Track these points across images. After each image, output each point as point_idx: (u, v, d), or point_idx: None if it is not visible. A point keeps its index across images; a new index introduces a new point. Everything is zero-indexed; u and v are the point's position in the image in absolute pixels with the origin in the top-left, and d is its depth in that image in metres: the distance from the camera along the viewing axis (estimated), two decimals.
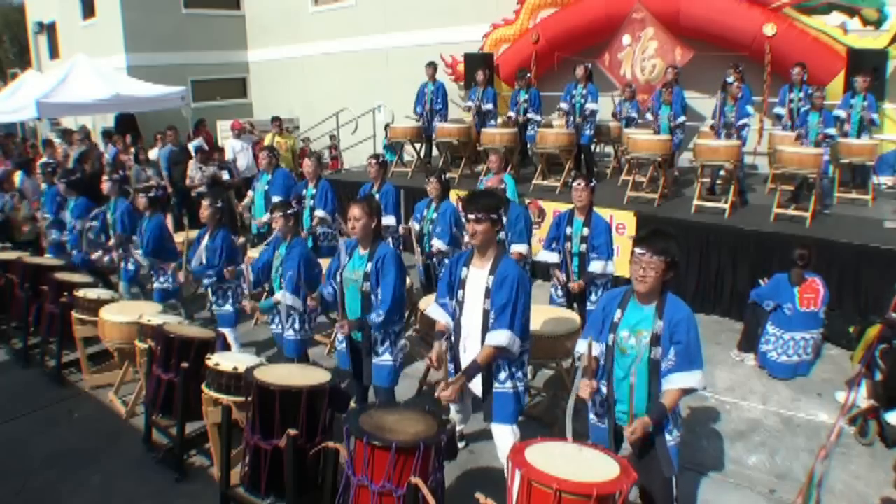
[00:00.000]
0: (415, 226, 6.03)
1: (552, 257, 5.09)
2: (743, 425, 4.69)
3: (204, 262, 5.31)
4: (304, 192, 6.79)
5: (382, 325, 3.79)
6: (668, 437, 2.97)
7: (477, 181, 7.22)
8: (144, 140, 11.75)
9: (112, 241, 6.36)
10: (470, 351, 3.46)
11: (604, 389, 3.06)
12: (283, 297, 4.55)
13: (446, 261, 5.42)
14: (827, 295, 5.38)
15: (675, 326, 2.86)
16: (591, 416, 3.18)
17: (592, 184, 4.95)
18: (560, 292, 5.11)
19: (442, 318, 3.56)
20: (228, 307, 5.37)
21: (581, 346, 3.15)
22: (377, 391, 4.04)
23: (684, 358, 2.85)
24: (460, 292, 3.46)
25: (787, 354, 5.33)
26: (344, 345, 4.07)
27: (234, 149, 10.40)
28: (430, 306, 3.72)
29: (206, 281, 5.34)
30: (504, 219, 4.96)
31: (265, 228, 7.10)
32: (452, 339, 3.55)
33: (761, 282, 5.71)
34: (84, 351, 5.43)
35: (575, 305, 5.06)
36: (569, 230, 4.97)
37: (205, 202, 5.31)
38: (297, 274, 4.49)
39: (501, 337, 3.25)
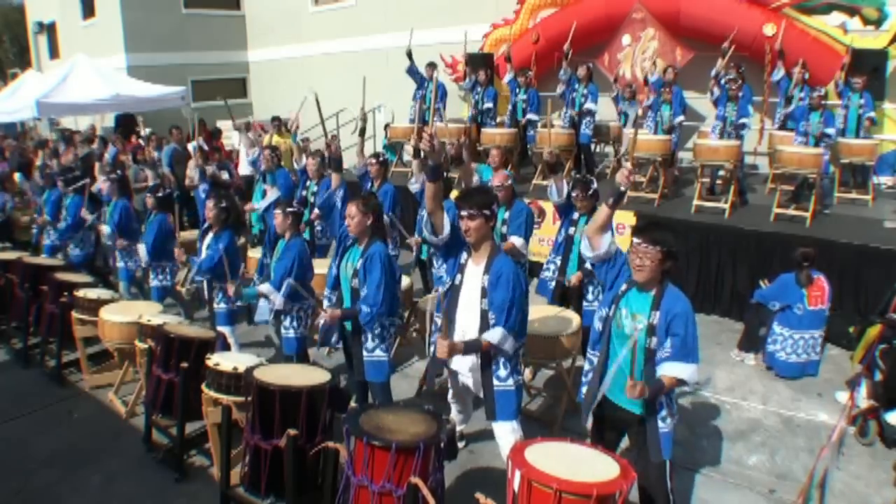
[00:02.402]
0: (418, 238, 5.95)
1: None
2: (743, 425, 4.69)
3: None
4: (307, 185, 6.82)
5: (368, 320, 3.79)
6: (660, 423, 2.99)
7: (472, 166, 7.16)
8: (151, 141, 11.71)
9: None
10: None
11: (594, 359, 3.15)
12: (265, 288, 4.56)
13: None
14: (831, 291, 5.40)
15: (673, 319, 2.90)
16: (584, 382, 3.24)
17: (591, 190, 4.90)
18: (552, 273, 5.09)
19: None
20: (225, 305, 5.35)
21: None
22: (372, 387, 4.05)
23: (681, 350, 2.89)
24: (459, 277, 3.48)
25: (797, 354, 5.32)
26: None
27: (248, 146, 10.40)
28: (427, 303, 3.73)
29: (199, 277, 5.31)
30: (507, 213, 5.02)
31: (261, 226, 7.09)
32: (451, 333, 3.55)
33: (762, 283, 5.69)
34: (84, 351, 5.43)
35: (573, 303, 5.06)
36: (575, 215, 4.96)
37: (210, 203, 5.30)
38: (288, 270, 4.50)
39: (495, 334, 3.27)
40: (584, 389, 3.21)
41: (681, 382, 2.93)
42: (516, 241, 4.94)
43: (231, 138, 13.43)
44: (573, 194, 4.88)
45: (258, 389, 3.32)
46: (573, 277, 4.91)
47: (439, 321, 3.40)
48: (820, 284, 5.33)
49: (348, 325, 4.00)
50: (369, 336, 3.92)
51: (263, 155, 7.38)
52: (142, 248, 5.86)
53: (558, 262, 5.07)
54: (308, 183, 6.88)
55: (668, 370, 2.89)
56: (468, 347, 3.34)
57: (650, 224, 3.09)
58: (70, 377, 5.61)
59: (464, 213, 3.31)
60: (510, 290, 3.27)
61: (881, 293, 5.53)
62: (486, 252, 3.41)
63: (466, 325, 3.44)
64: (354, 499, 2.83)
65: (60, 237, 7.06)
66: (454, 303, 3.48)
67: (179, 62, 16.36)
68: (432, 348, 3.37)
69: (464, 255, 3.50)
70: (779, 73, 8.27)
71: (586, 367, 3.23)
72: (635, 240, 2.95)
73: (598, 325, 3.19)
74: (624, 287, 3.07)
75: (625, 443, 3.31)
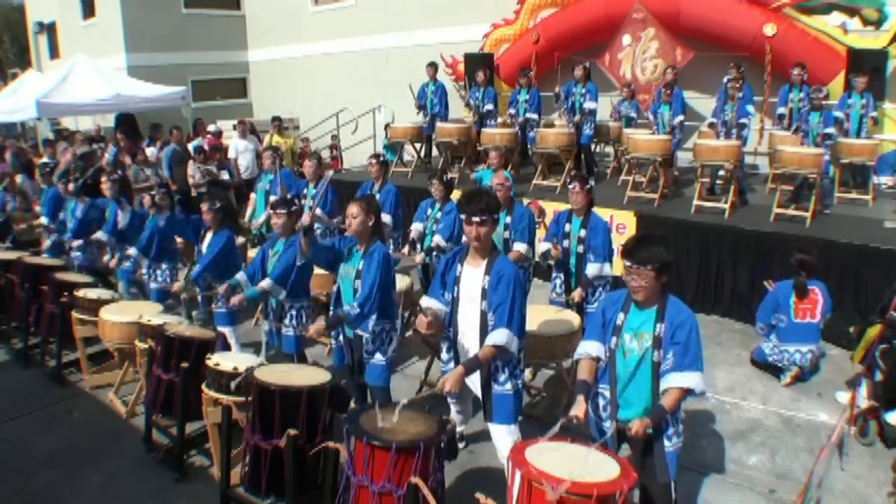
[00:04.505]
0: (417, 226, 6.00)
1: (549, 246, 5.07)
2: (743, 425, 4.69)
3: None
4: (305, 191, 6.79)
5: (357, 317, 3.74)
6: (666, 442, 2.96)
7: (472, 175, 7.22)
8: (144, 139, 11.81)
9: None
10: (467, 350, 3.46)
11: (606, 393, 3.07)
12: (267, 284, 4.54)
13: (441, 256, 5.46)
14: (828, 304, 5.22)
15: (677, 328, 2.88)
16: (594, 416, 3.18)
17: (589, 185, 4.93)
18: (559, 290, 5.11)
19: (434, 304, 3.53)
20: (224, 307, 5.34)
21: (582, 348, 3.16)
22: (372, 391, 4.05)
23: (682, 358, 2.86)
24: (455, 289, 3.46)
25: (782, 362, 5.29)
26: (340, 338, 4.05)
27: (238, 149, 10.40)
28: (423, 298, 3.72)
29: (203, 282, 5.32)
30: (508, 217, 5.03)
31: (265, 229, 7.09)
32: (450, 335, 3.55)
33: (768, 284, 5.58)
34: (84, 351, 5.42)
35: (574, 306, 5.07)
36: (567, 227, 4.98)
37: (204, 206, 5.30)
38: (290, 267, 4.49)
39: (500, 336, 3.25)
40: (606, 424, 3.05)
41: (688, 392, 2.88)
42: (521, 247, 5.00)
43: (231, 139, 13.42)
44: (570, 186, 4.92)
45: (258, 389, 3.32)
46: (575, 294, 4.92)
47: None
48: (812, 297, 5.19)
49: (350, 332, 3.99)
50: (369, 339, 3.90)
51: (264, 156, 7.38)
52: (132, 251, 5.86)
53: (563, 277, 5.08)
54: (307, 188, 6.82)
55: (672, 382, 2.86)
56: (469, 368, 3.31)
57: (637, 242, 2.99)
58: (70, 377, 5.61)
59: (475, 219, 3.26)
60: (511, 290, 3.27)
61: (881, 293, 5.52)
62: (487, 254, 3.39)
63: (466, 326, 3.44)
64: (354, 499, 2.83)
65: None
66: (454, 309, 3.47)
67: (179, 62, 16.35)
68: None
69: (457, 267, 3.47)
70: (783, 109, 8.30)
71: (600, 402, 3.13)
72: (626, 262, 2.92)
73: (583, 350, 3.14)
74: (621, 317, 3.02)
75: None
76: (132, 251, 5.89)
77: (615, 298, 3.14)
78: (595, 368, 3.09)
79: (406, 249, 6.21)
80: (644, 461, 3.03)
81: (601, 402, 3.09)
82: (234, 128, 12.05)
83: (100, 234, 6.39)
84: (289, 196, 5.59)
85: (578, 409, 2.89)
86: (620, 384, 3.00)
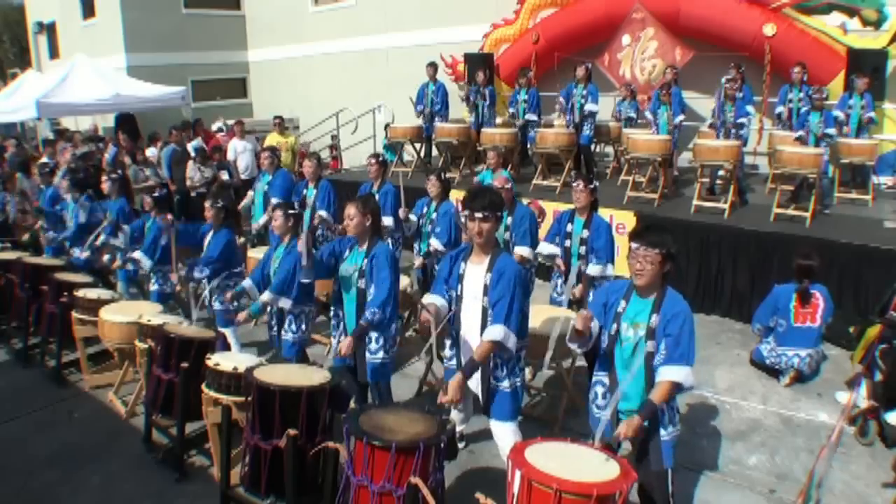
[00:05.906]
0: (413, 218, 6.00)
1: (553, 249, 5.08)
2: (743, 425, 4.69)
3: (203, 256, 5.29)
4: (305, 192, 6.80)
5: (378, 323, 3.80)
6: (662, 431, 2.98)
7: (474, 178, 7.24)
8: (143, 140, 11.83)
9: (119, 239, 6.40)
10: (470, 347, 3.45)
11: (605, 380, 3.10)
12: (268, 297, 4.53)
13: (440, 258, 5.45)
14: (829, 308, 5.19)
15: (670, 320, 2.88)
16: (594, 406, 3.19)
17: (593, 185, 4.94)
18: (560, 289, 5.11)
19: (437, 300, 3.50)
20: (221, 306, 5.34)
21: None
22: (373, 388, 4.05)
23: (673, 351, 2.85)
24: (459, 287, 3.46)
25: (780, 364, 5.29)
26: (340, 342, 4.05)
27: (236, 149, 10.40)
28: (425, 297, 3.72)
29: (197, 274, 5.30)
30: (509, 218, 5.03)
31: (263, 231, 7.09)
32: (453, 333, 3.55)
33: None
34: (84, 351, 5.42)
35: (574, 305, 5.07)
36: (569, 227, 4.98)
37: (208, 203, 5.31)
38: (290, 275, 4.48)
39: (496, 331, 3.23)
40: (605, 413, 2.93)
41: (678, 387, 2.87)
42: (524, 251, 4.99)
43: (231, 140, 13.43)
44: (574, 184, 4.92)
45: (258, 389, 3.32)
46: (577, 290, 4.91)
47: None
48: (814, 302, 5.16)
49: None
50: (373, 338, 3.91)
51: (262, 156, 7.39)
52: (139, 255, 5.83)
53: (564, 277, 5.07)
54: (307, 189, 6.82)
55: (663, 375, 2.86)
56: (468, 372, 3.30)
57: (646, 227, 3.05)
58: (70, 377, 5.61)
59: (477, 215, 3.25)
60: (511, 287, 3.25)
61: (881, 293, 5.53)
62: (490, 251, 3.39)
63: (469, 323, 3.44)
64: (354, 499, 2.83)
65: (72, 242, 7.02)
66: (458, 307, 3.47)
67: (179, 62, 16.36)
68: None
69: (461, 265, 3.47)
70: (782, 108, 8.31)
71: (599, 389, 3.15)
72: (633, 244, 2.92)
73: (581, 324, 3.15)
74: (622, 304, 3.03)
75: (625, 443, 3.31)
76: (139, 254, 5.85)
77: (618, 286, 3.15)
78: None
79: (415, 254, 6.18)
80: (640, 452, 3.05)
81: (600, 391, 3.11)
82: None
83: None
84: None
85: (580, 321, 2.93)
86: (618, 371, 3.03)
